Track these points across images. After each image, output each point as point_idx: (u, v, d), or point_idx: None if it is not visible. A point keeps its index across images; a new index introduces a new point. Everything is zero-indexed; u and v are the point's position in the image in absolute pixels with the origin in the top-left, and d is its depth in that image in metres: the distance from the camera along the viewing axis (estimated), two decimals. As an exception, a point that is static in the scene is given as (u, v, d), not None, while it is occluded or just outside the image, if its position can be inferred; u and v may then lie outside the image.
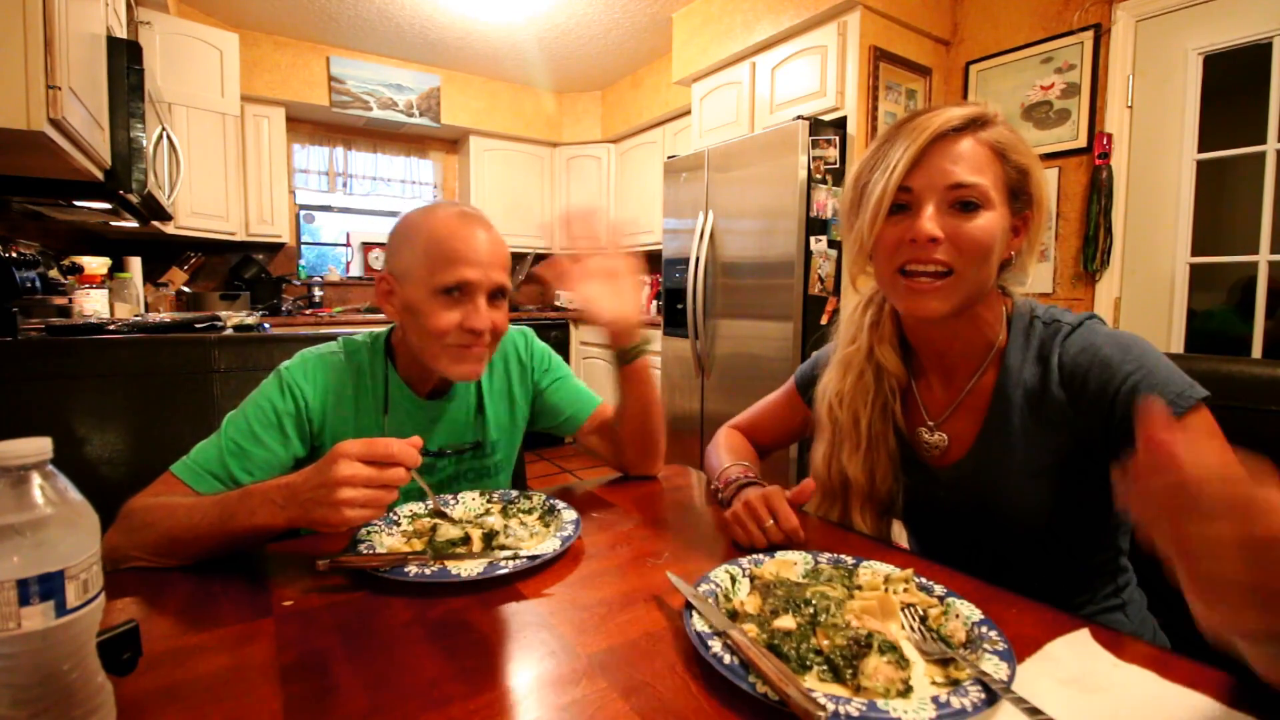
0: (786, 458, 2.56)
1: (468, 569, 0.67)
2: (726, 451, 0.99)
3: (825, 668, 0.50)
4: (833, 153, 2.58)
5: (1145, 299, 2.39)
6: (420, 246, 0.88)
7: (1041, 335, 0.77)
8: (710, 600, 0.59)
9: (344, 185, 4.46)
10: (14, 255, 1.73)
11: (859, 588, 0.63)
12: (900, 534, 0.95)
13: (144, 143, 1.83)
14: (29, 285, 1.72)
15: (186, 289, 3.60)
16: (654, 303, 4.36)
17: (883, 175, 0.73)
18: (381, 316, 3.93)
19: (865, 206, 0.76)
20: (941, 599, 0.60)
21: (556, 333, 4.47)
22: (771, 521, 0.75)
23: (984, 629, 0.54)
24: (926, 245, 0.72)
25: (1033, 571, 0.79)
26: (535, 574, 0.70)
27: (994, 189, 0.72)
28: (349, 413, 0.95)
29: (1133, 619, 0.79)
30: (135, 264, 2.99)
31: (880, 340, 0.86)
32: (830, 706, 0.43)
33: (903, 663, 0.49)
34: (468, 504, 0.89)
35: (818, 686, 0.48)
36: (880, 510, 0.88)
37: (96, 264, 2.40)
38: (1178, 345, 2.31)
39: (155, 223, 2.64)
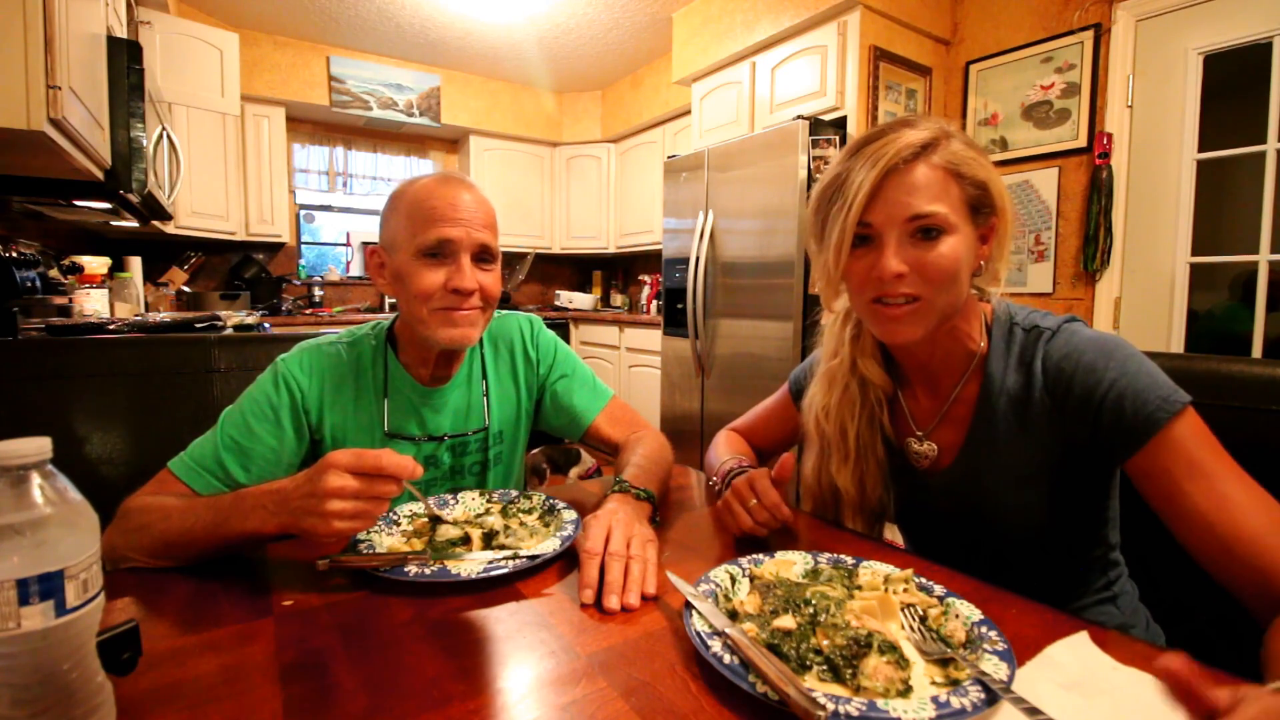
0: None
1: (468, 569, 0.67)
2: (724, 450, 1.00)
3: (825, 667, 0.50)
4: (833, 152, 2.58)
5: (1145, 299, 2.39)
6: (403, 212, 0.88)
7: (1022, 341, 0.76)
8: (710, 600, 0.59)
9: (344, 185, 4.46)
10: (14, 255, 1.73)
11: (859, 588, 0.63)
12: (892, 537, 0.95)
13: (144, 142, 1.83)
14: (29, 285, 1.72)
15: (186, 289, 3.60)
16: (654, 302, 4.37)
17: (841, 210, 0.73)
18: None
19: (828, 241, 0.75)
20: (941, 599, 0.60)
21: (556, 332, 4.47)
22: (755, 501, 0.77)
23: (984, 629, 0.54)
24: (893, 281, 0.72)
25: (1026, 571, 0.79)
26: (535, 574, 0.70)
27: (953, 212, 0.72)
28: (348, 402, 0.94)
29: (1124, 610, 0.79)
30: (135, 264, 2.99)
31: (862, 353, 0.86)
32: (830, 706, 0.43)
33: (903, 663, 0.49)
34: (467, 504, 0.89)
35: (818, 686, 0.48)
36: (871, 519, 0.88)
37: (96, 264, 2.40)
38: (1178, 345, 2.31)
39: (155, 222, 2.64)
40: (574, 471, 2.94)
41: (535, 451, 2.88)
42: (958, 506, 0.81)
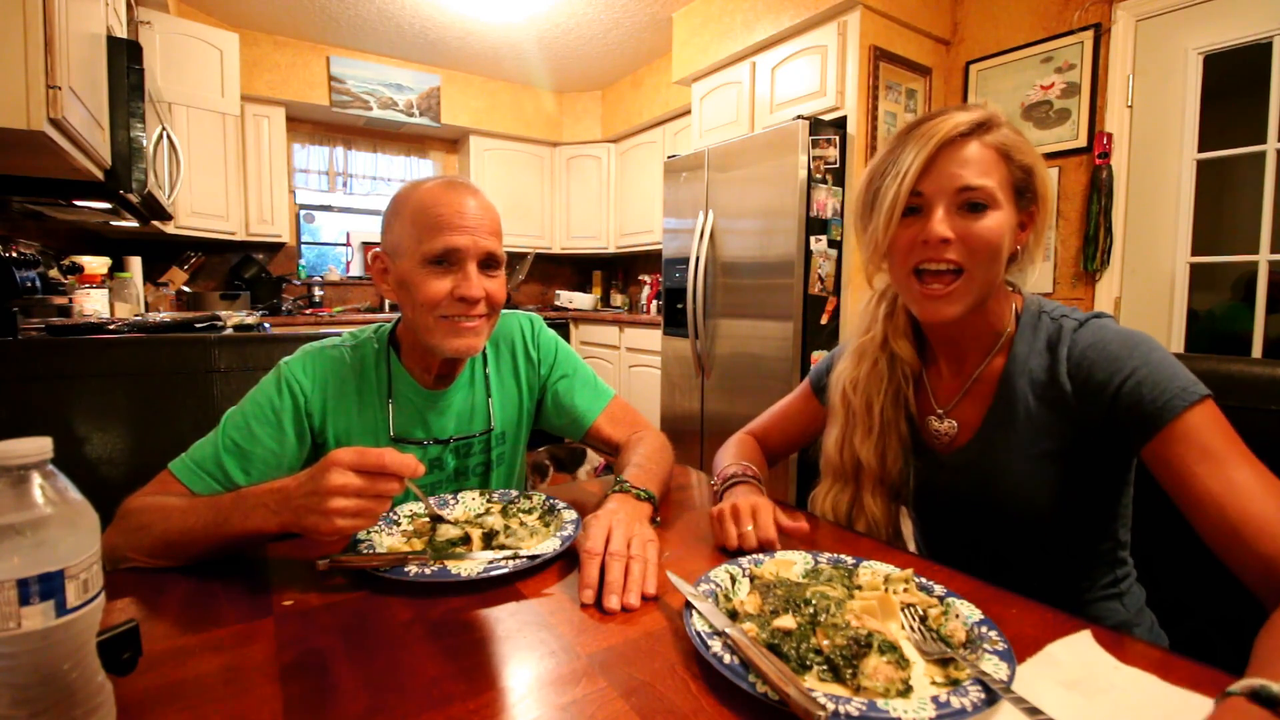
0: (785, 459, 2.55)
1: (468, 569, 0.67)
2: (731, 453, 1.00)
3: (825, 667, 0.50)
4: (833, 152, 2.58)
5: (1145, 298, 2.38)
6: (408, 218, 0.87)
7: (1050, 328, 0.79)
8: (710, 600, 0.59)
9: (344, 185, 4.46)
10: (14, 255, 1.73)
11: (859, 588, 0.63)
12: (908, 527, 0.95)
13: (144, 142, 1.83)
14: (29, 285, 1.72)
15: (186, 289, 3.60)
16: (654, 302, 4.37)
17: (894, 180, 0.76)
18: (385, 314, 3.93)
19: (879, 210, 0.78)
20: (941, 599, 0.60)
21: (556, 332, 4.47)
22: (750, 528, 0.76)
23: (984, 629, 0.54)
24: (938, 246, 0.74)
25: (1034, 558, 0.80)
26: (535, 574, 0.70)
27: (1000, 189, 0.74)
28: (351, 406, 0.94)
29: (1129, 608, 0.80)
30: (135, 264, 2.99)
31: (895, 331, 0.89)
32: (830, 706, 0.43)
33: (903, 663, 0.49)
34: (467, 504, 0.89)
35: (818, 686, 0.48)
36: (891, 493, 0.89)
37: (96, 264, 2.40)
38: (1178, 345, 2.31)
39: (155, 222, 2.64)
40: (581, 470, 2.92)
41: (540, 450, 2.87)
42: (971, 486, 0.82)
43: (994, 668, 0.48)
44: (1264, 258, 2.13)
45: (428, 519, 0.81)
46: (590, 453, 2.97)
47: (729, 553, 0.76)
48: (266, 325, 2.65)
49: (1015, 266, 0.82)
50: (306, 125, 4.25)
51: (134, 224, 2.52)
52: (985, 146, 0.75)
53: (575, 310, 4.73)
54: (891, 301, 0.90)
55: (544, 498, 0.89)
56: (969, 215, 0.74)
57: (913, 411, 0.88)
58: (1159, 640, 0.80)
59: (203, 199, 3.38)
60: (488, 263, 0.89)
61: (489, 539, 0.76)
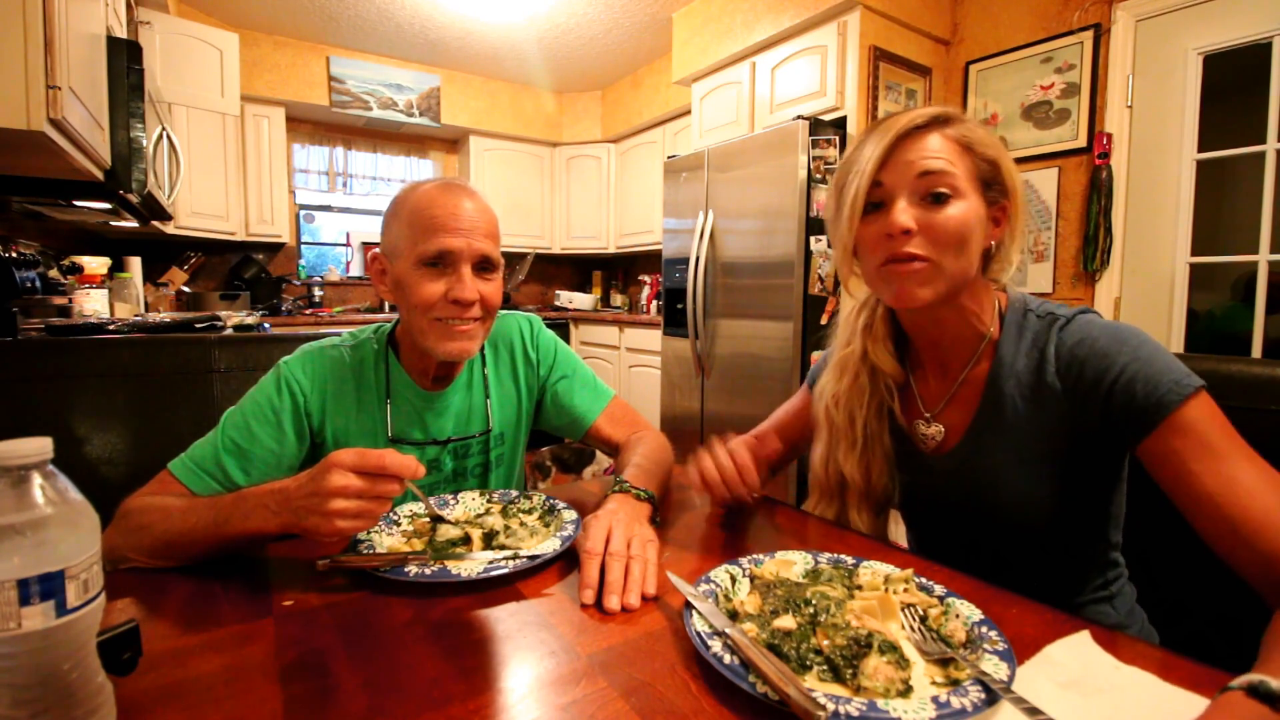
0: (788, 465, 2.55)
1: (468, 569, 0.67)
2: None
3: (825, 668, 0.50)
4: (833, 153, 2.58)
5: (1145, 299, 2.39)
6: (405, 220, 0.87)
7: (1036, 327, 0.78)
8: (710, 600, 0.59)
9: (344, 185, 4.46)
10: (14, 255, 1.73)
11: (859, 588, 0.63)
12: (899, 531, 0.95)
13: (144, 143, 1.83)
14: (29, 285, 1.72)
15: (186, 289, 3.60)
16: (654, 302, 4.37)
17: (856, 176, 0.76)
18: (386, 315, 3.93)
19: (843, 208, 0.78)
20: (941, 599, 0.60)
21: (556, 332, 4.47)
22: (725, 458, 0.78)
23: (984, 629, 0.54)
24: (902, 238, 0.73)
25: (1025, 561, 0.80)
26: (535, 574, 0.70)
27: (964, 179, 0.74)
28: (350, 405, 0.94)
29: (1120, 610, 0.79)
30: (135, 264, 2.99)
31: (874, 341, 0.88)
32: (830, 706, 0.43)
33: (903, 663, 0.49)
34: (467, 504, 0.89)
35: (818, 686, 0.48)
36: (877, 508, 0.89)
37: (96, 264, 2.40)
38: (1178, 345, 2.31)
39: (155, 223, 2.64)
40: (588, 470, 2.90)
41: (543, 450, 2.86)
42: (962, 490, 0.82)
43: (994, 668, 0.48)
44: (1264, 258, 2.13)
45: (428, 519, 0.81)
46: (599, 455, 2.96)
47: (730, 550, 0.76)
48: (266, 325, 2.65)
49: (994, 264, 0.81)
50: (306, 125, 4.25)
51: (134, 224, 2.52)
52: (946, 138, 0.75)
53: (575, 310, 4.73)
54: (870, 311, 0.89)
55: (544, 498, 0.89)
56: (931, 206, 0.73)
57: (899, 418, 0.87)
58: (1149, 636, 0.80)
59: (203, 199, 3.38)
60: (483, 265, 0.89)
61: (489, 539, 0.76)
